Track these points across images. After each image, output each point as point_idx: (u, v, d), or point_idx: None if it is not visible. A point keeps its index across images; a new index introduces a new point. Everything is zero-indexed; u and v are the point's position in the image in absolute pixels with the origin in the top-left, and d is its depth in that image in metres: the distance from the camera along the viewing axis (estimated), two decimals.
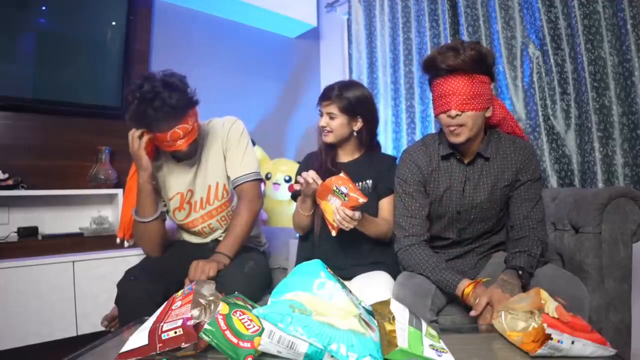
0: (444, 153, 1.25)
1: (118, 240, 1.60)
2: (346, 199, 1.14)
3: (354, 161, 1.45)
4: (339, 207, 1.16)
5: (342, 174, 1.17)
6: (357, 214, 1.17)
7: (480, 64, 1.13)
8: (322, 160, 1.44)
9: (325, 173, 1.33)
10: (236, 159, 1.43)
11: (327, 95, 1.40)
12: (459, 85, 1.12)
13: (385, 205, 1.39)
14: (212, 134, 1.45)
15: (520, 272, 1.09)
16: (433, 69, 1.17)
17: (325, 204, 1.20)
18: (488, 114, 1.19)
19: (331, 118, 1.39)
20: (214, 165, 1.44)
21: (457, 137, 1.16)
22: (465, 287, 1.09)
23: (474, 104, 1.13)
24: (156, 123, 1.24)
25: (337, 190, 1.15)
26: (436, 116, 1.20)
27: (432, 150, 1.28)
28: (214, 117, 1.50)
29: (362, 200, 1.13)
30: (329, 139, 1.41)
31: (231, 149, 1.43)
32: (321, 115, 1.42)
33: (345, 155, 1.46)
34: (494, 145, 1.24)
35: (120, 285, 1.25)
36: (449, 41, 2.04)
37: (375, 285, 1.23)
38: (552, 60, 1.68)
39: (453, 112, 1.13)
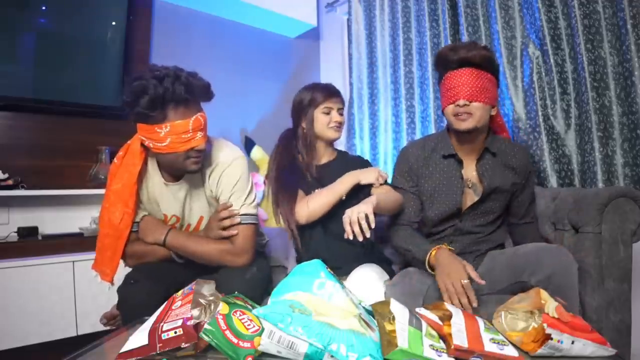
0: (446, 153, 1.26)
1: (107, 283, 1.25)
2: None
3: (334, 162, 1.45)
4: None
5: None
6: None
7: (489, 63, 1.18)
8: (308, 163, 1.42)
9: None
10: (238, 199, 1.25)
11: (337, 92, 1.44)
12: (469, 78, 1.15)
13: (381, 189, 1.29)
14: (214, 164, 1.25)
15: None
16: (445, 62, 1.20)
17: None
18: (493, 112, 1.22)
19: (340, 114, 1.41)
20: (202, 203, 1.30)
21: (463, 123, 1.17)
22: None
23: (482, 96, 1.15)
24: (183, 102, 1.06)
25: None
26: (444, 109, 1.22)
27: (430, 147, 1.29)
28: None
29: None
30: (339, 134, 1.43)
31: (226, 193, 1.24)
32: (328, 112, 1.41)
33: (325, 156, 1.46)
34: (497, 146, 1.26)
35: (120, 290, 1.21)
36: (449, 41, 2.04)
37: (369, 279, 1.20)
38: (552, 60, 1.68)
39: (461, 102, 1.15)
